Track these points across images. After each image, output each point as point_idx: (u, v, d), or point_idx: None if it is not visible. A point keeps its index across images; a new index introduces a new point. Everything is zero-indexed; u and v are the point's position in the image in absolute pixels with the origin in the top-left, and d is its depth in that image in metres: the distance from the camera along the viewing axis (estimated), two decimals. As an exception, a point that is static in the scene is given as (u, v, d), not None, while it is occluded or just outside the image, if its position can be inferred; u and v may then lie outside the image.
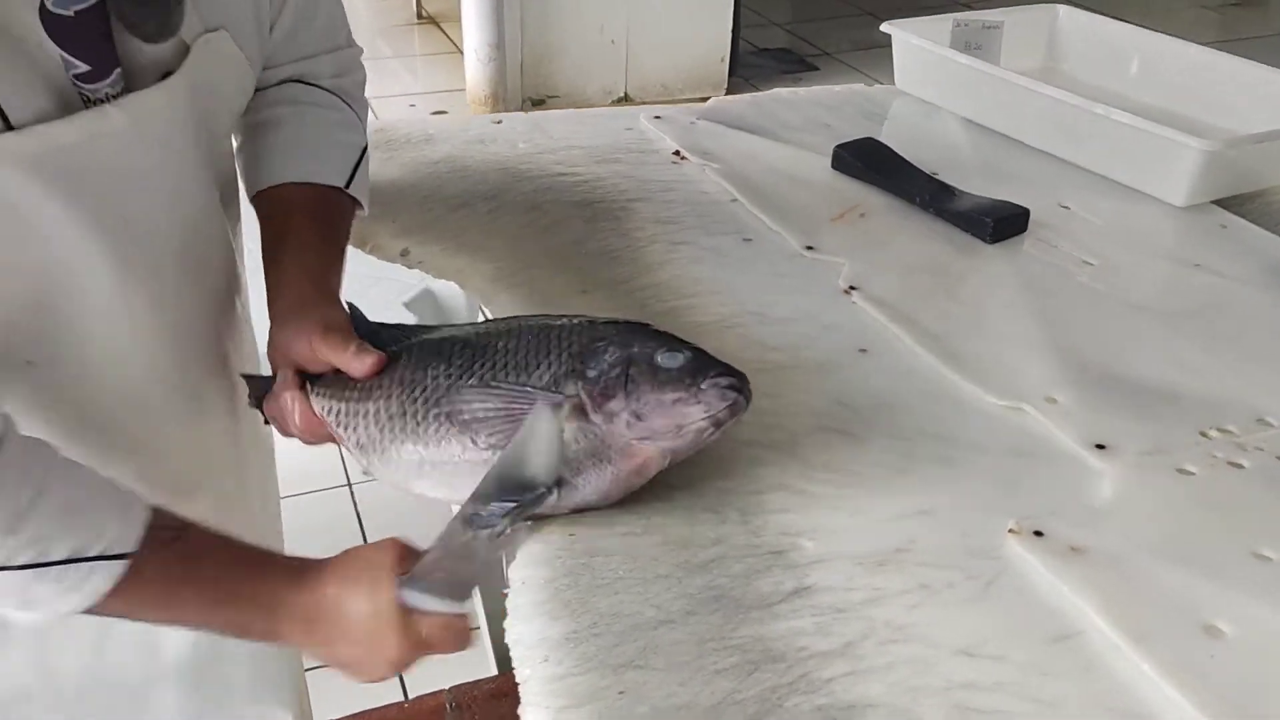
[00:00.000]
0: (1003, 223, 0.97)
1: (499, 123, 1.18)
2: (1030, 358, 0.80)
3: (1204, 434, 0.72)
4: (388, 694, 1.37)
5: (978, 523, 0.64)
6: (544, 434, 0.61)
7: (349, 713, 1.22)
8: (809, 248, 0.94)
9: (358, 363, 0.69)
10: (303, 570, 0.64)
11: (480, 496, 0.61)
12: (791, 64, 4.14)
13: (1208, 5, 4.57)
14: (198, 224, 0.74)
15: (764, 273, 0.91)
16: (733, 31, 3.78)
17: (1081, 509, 0.65)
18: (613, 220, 0.99)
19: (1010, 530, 0.63)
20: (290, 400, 0.73)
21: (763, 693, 0.53)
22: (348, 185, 0.80)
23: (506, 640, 0.56)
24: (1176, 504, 0.66)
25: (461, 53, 3.78)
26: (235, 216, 0.82)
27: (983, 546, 0.63)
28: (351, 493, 2.15)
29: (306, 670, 1.19)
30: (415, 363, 0.68)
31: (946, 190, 1.02)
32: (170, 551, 0.62)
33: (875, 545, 0.62)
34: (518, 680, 0.54)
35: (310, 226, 0.79)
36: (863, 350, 0.81)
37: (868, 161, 1.07)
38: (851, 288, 0.88)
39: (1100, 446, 0.70)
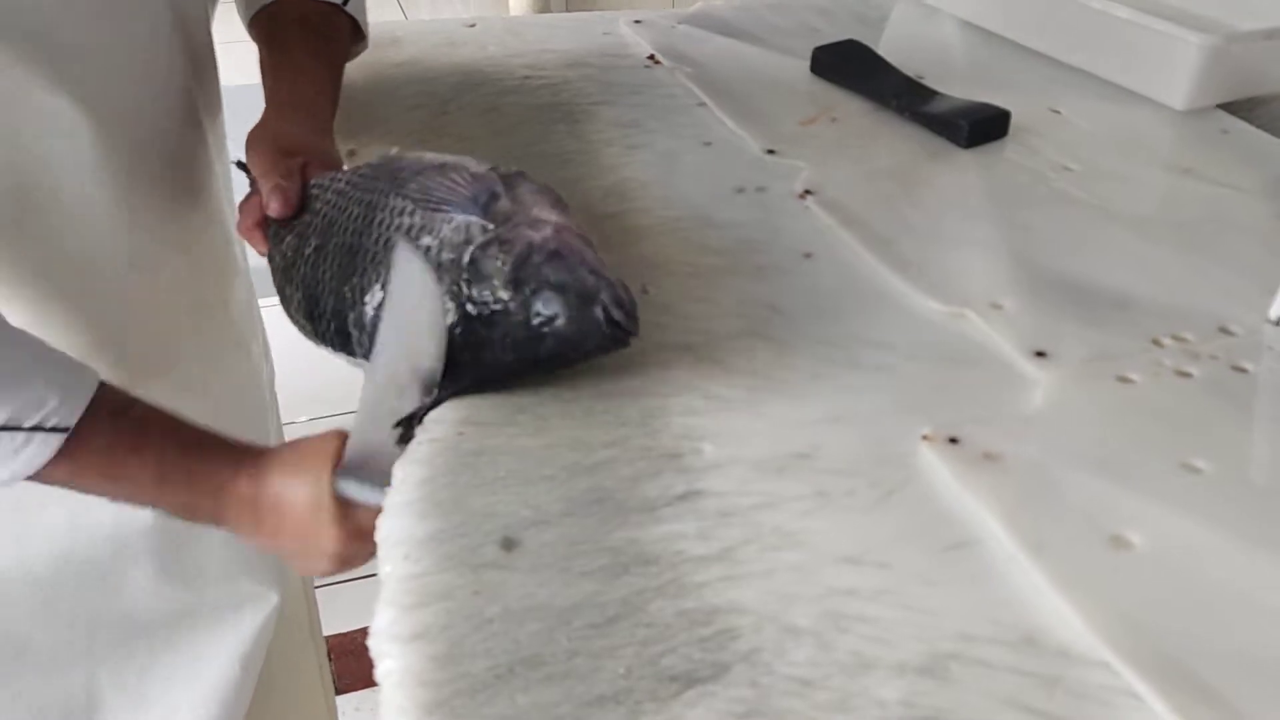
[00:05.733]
0: (979, 126, 0.91)
1: (472, 26, 1.15)
2: (983, 263, 0.75)
3: (1156, 341, 0.67)
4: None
5: (894, 430, 0.61)
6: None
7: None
8: (770, 151, 0.90)
9: (271, 198, 0.69)
10: (249, 457, 0.64)
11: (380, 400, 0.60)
12: (843, -13, 4.02)
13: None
14: (169, 106, 0.73)
15: (719, 176, 0.87)
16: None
17: (1007, 417, 0.61)
18: (571, 123, 0.95)
19: (924, 437, 0.59)
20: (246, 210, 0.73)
21: (627, 596, 0.50)
22: (345, 2, 0.81)
23: (376, 538, 0.54)
24: (1109, 412, 0.61)
25: (509, -26, 3.73)
26: (214, 105, 0.81)
27: (893, 454, 0.59)
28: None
29: (317, 587, 1.20)
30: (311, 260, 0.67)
31: (925, 93, 0.96)
32: (114, 426, 0.62)
33: (778, 450, 0.59)
34: (379, 577, 0.52)
35: (300, 45, 0.79)
36: (808, 255, 0.77)
37: (846, 64, 1.01)
38: (807, 192, 0.84)
39: (1040, 354, 0.66)
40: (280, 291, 0.70)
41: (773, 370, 0.65)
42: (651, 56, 1.08)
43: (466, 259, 0.60)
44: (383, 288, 0.62)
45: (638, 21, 1.15)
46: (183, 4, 0.74)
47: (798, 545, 0.53)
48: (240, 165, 0.76)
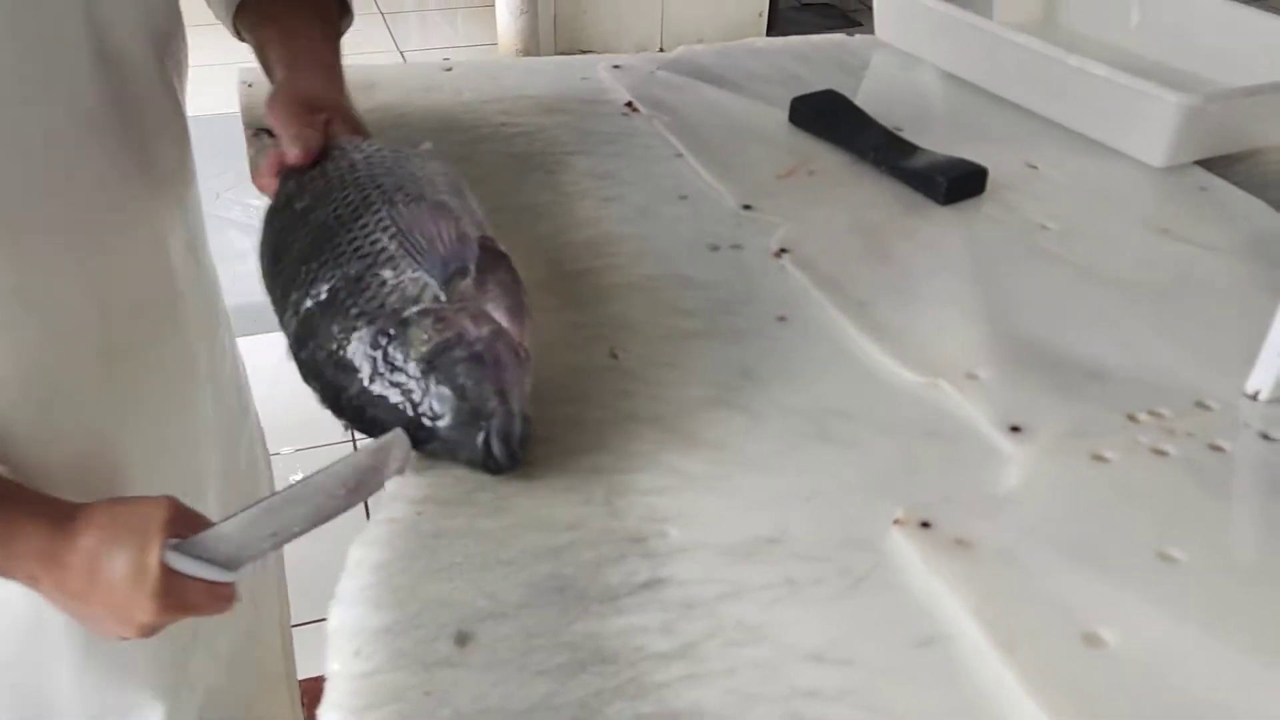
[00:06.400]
0: (957, 182, 0.90)
1: (449, 69, 1.13)
2: (959, 329, 0.74)
3: (1132, 417, 0.66)
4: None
5: (864, 511, 0.59)
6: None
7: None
8: (746, 206, 0.89)
9: (291, 145, 0.69)
10: (61, 513, 0.62)
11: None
12: (834, 19, 4.03)
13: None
14: (79, 139, 0.67)
15: (694, 232, 0.86)
16: (773, -15, 3.71)
17: (980, 497, 0.60)
18: (546, 173, 0.94)
19: (896, 520, 0.58)
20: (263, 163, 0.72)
21: (584, 697, 0.48)
22: None
23: (328, 628, 0.52)
24: (1084, 494, 0.60)
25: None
26: (168, 135, 0.76)
27: (863, 537, 0.57)
28: (355, 449, 2.13)
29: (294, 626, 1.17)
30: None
31: (904, 147, 0.95)
32: None
33: (746, 534, 0.57)
34: (326, 675, 0.50)
35: (299, 19, 0.79)
36: (781, 318, 0.75)
37: (825, 115, 1.00)
38: (783, 250, 0.83)
39: (1015, 429, 0.65)
40: (262, 228, 0.70)
41: (743, 443, 0.64)
42: (629, 104, 1.07)
43: (404, 315, 0.59)
44: (329, 290, 0.62)
45: (616, 66, 1.14)
46: (110, 38, 0.69)
47: (762, 640, 0.51)
48: (262, 131, 0.76)
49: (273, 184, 0.72)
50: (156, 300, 0.79)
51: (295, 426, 2.10)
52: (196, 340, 0.84)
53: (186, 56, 0.80)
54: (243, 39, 0.83)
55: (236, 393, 0.96)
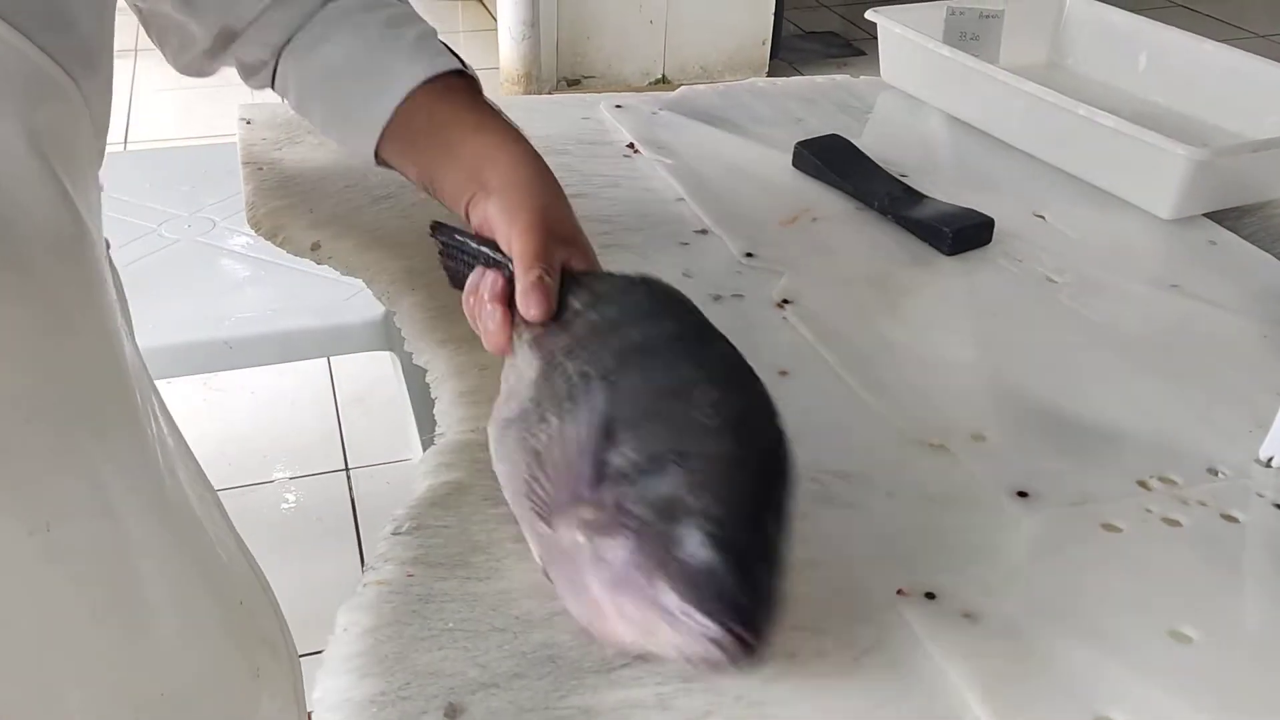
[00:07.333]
0: (963, 233, 0.89)
1: (449, 109, 1.12)
2: (965, 388, 0.72)
3: (1143, 484, 0.64)
4: None
5: (868, 580, 0.57)
6: None
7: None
8: (748, 254, 0.87)
9: (526, 298, 0.57)
10: None
11: None
12: (837, 48, 4.04)
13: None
14: None
15: (696, 281, 0.84)
16: (776, 13, 3.72)
17: (986, 567, 0.58)
18: (545, 218, 0.93)
19: (899, 590, 0.56)
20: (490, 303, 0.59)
21: (576, 776, 0.47)
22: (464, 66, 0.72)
23: (311, 698, 0.50)
24: (1094, 566, 0.58)
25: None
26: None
27: (866, 608, 0.56)
28: (348, 477, 2.12)
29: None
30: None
31: (909, 195, 0.94)
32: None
33: (745, 602, 0.56)
34: (311, 747, 0.48)
35: (470, 107, 0.70)
36: (784, 373, 0.74)
37: (828, 160, 0.99)
38: (785, 301, 0.81)
39: (1022, 494, 0.63)
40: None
41: (743, 505, 0.62)
42: (631, 145, 1.06)
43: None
44: None
45: (618, 106, 1.13)
46: None
47: (762, 717, 0.50)
48: (440, 227, 0.67)
49: (501, 312, 0.59)
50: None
51: (289, 453, 2.08)
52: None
53: (95, 157, 0.60)
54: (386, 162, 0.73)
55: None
